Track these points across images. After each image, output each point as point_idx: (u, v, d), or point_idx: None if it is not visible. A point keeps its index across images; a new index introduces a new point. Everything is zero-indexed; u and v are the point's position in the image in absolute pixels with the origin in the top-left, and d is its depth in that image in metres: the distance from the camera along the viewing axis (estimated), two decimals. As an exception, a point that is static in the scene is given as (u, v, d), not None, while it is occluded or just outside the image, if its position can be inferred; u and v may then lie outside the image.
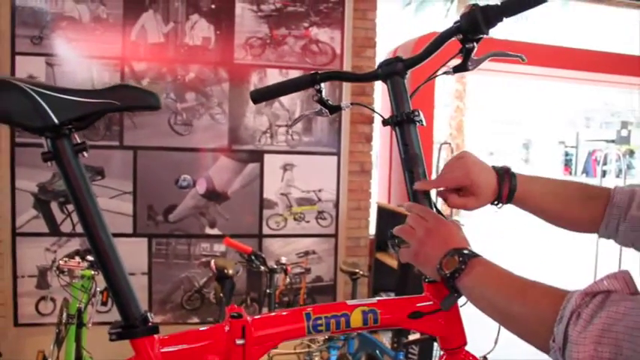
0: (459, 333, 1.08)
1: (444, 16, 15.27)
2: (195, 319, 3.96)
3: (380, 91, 4.85)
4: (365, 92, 4.13)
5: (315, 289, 4.13)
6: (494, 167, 1.10)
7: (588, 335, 0.69)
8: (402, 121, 1.07)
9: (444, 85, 12.77)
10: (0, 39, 3.55)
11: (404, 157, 1.08)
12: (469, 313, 1.05)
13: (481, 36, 1.03)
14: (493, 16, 0.99)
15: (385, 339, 3.63)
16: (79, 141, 0.93)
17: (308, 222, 4.08)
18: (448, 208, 1.10)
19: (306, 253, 4.10)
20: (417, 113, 1.07)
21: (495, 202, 1.10)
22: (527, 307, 0.81)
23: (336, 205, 4.12)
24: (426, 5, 15.54)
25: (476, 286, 0.89)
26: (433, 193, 1.10)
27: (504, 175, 1.08)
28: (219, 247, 3.93)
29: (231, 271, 2.82)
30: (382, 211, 4.38)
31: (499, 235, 10.86)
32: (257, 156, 3.97)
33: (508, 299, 0.84)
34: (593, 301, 0.72)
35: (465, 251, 0.92)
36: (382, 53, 4.84)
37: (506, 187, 1.08)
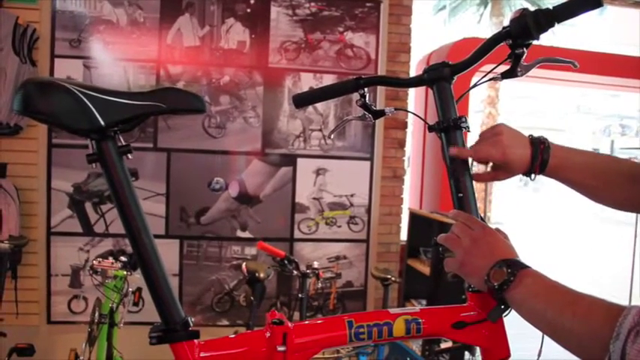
0: (503, 345, 1.06)
1: (476, 22, 15.14)
2: (225, 322, 3.97)
3: (413, 96, 4.82)
4: (399, 97, 4.10)
5: (346, 294, 4.11)
6: (530, 138, 1.06)
7: None
8: (449, 128, 1.05)
9: (477, 91, 12.66)
10: (40, 42, 3.62)
11: (450, 165, 1.06)
12: (511, 323, 1.02)
13: (531, 41, 1.00)
14: (544, 21, 0.96)
15: (416, 346, 3.60)
16: (123, 143, 0.93)
17: (340, 227, 4.06)
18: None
19: (337, 258, 4.08)
20: (464, 119, 1.05)
21: (527, 174, 1.07)
22: (579, 322, 0.78)
23: (368, 210, 4.09)
24: (459, 10, 15.43)
25: (525, 299, 0.87)
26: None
27: (538, 146, 1.05)
28: (251, 250, 3.94)
29: (262, 275, 2.82)
30: (414, 217, 4.34)
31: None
32: (290, 160, 3.97)
33: (559, 313, 0.81)
34: None
35: (514, 262, 0.90)
36: (415, 58, 4.80)
37: (540, 159, 1.04)
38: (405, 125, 4.18)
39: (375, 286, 3.99)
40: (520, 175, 1.08)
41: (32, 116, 0.86)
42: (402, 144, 4.18)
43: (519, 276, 0.88)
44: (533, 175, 1.06)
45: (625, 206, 1.09)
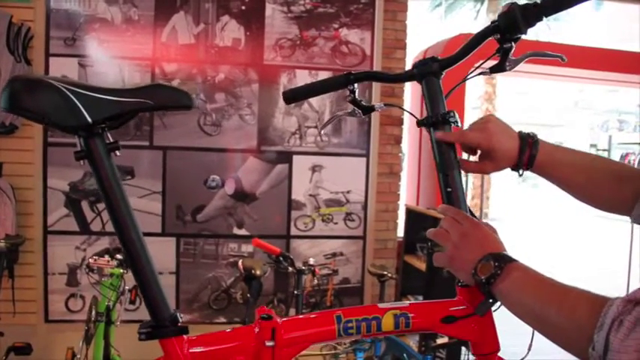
0: (492, 338, 1.06)
1: (473, 18, 15.17)
2: (222, 319, 3.97)
3: (409, 92, 4.81)
4: (394, 94, 4.10)
5: (342, 291, 4.11)
6: (520, 133, 1.06)
7: (632, 343, 0.67)
8: (437, 123, 1.06)
9: (474, 87, 12.65)
10: (35, 40, 3.61)
11: (438, 160, 1.06)
12: (501, 317, 1.03)
13: (519, 36, 1.00)
14: (533, 15, 0.96)
15: (412, 342, 3.60)
16: (111, 140, 0.93)
17: (336, 223, 4.06)
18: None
19: (334, 255, 4.08)
20: (452, 114, 1.05)
21: (516, 169, 1.07)
22: (565, 314, 0.78)
23: (365, 206, 4.09)
24: (455, 7, 15.45)
25: (512, 292, 0.87)
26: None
27: (527, 141, 1.05)
28: (247, 248, 3.94)
29: (258, 272, 2.82)
30: (410, 214, 4.35)
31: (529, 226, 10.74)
32: (286, 157, 3.97)
33: (545, 306, 0.81)
34: (637, 309, 0.69)
35: (501, 256, 0.90)
36: (411, 55, 4.80)
37: (527, 153, 1.04)
38: (401, 121, 4.18)
39: (372, 282, 3.99)
40: (509, 170, 1.08)
41: (19, 113, 0.86)
42: (398, 140, 4.18)
43: (506, 269, 0.88)
44: (521, 171, 1.07)
45: (610, 207, 1.08)
